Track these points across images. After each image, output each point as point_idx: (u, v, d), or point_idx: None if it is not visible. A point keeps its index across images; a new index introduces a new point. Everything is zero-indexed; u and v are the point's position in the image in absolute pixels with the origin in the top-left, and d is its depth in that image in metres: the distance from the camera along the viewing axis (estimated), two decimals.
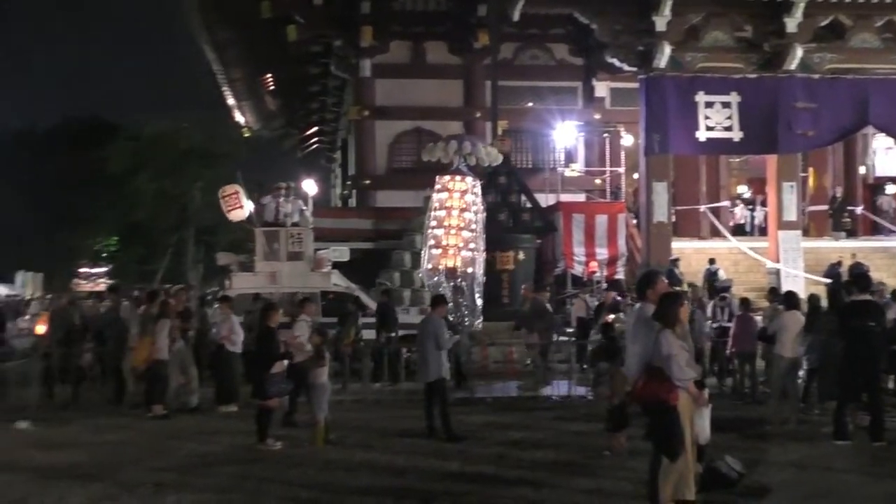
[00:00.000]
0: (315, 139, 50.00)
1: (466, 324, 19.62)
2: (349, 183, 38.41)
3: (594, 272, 26.25)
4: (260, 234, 23.78)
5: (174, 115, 37.86)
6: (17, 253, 47.45)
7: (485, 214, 23.06)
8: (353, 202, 36.98)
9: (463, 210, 22.44)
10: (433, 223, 22.37)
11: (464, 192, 22.59)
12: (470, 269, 22.10)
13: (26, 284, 39.96)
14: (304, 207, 24.69)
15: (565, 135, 32.28)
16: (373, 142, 34.14)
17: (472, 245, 22.28)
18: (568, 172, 32.81)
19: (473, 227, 22.40)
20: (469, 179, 22.57)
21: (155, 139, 36.11)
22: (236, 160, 37.94)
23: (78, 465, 11.02)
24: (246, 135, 42.11)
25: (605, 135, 32.45)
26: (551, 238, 27.72)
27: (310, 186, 26.85)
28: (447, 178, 22.68)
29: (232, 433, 13.11)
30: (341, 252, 25.10)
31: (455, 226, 22.36)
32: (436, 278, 22.01)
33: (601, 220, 27.88)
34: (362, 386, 17.16)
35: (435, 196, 22.67)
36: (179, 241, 33.89)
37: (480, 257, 22.41)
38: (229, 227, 36.56)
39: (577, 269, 27.12)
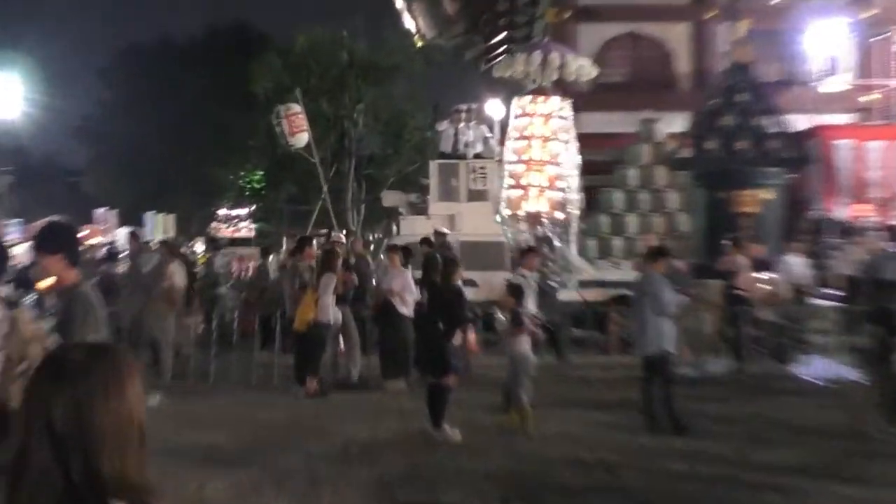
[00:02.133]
0: (503, 49, 49.73)
1: (554, 285, 18.98)
2: None
3: (864, 216, 25.18)
4: (435, 167, 23.97)
5: (332, 22, 38.61)
6: (147, 190, 49.53)
7: (577, 144, 22.45)
8: None
9: (547, 139, 21.95)
10: (511, 157, 21.88)
11: (548, 117, 22.07)
12: (559, 214, 21.45)
13: (157, 228, 41.49)
14: (490, 135, 24.79)
15: (826, 39, 30.95)
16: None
17: (559, 183, 21.55)
18: (829, 87, 31.57)
19: (562, 160, 21.85)
20: (556, 100, 22.04)
21: (308, 52, 36.79)
22: (406, 75, 38.62)
23: (219, 448, 11.31)
24: (418, 44, 42.33)
25: (880, 37, 30.95)
26: (807, 172, 26.75)
27: (496, 109, 26.87)
28: (527, 98, 22.17)
29: (402, 415, 13.25)
30: None
31: (538, 160, 21.85)
32: (516, 226, 21.50)
33: (874, 149, 26.71)
34: (560, 359, 17.17)
35: (512, 123, 22.16)
36: (337, 177, 34.50)
37: (574, 198, 21.75)
38: (398, 160, 37.22)
39: (841, 213, 26.08)
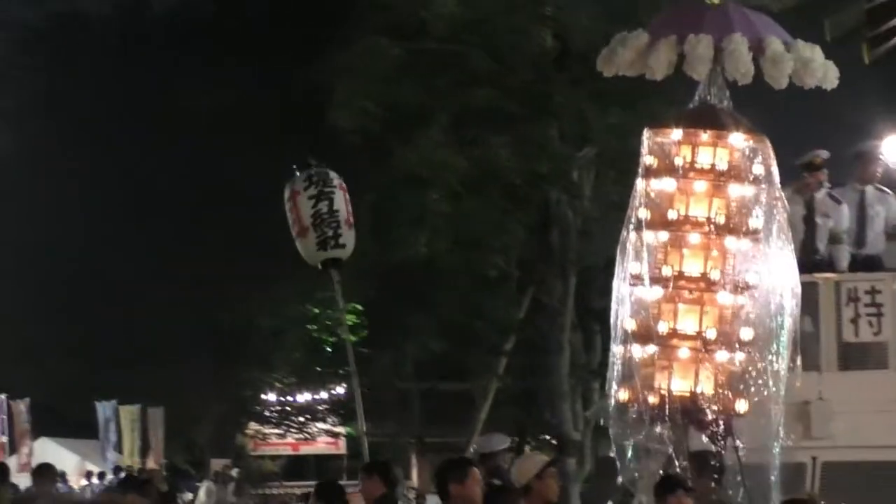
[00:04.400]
0: None
1: None
2: None
3: None
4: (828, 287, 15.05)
5: None
6: (96, 353, 29.39)
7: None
8: None
9: (721, 228, 11.63)
10: (629, 268, 12.33)
11: (723, 176, 11.85)
12: (741, 405, 11.43)
13: (125, 437, 25.88)
14: None
15: None
16: None
17: (745, 331, 11.40)
18: None
19: (755, 278, 11.52)
20: (739, 138, 11.88)
21: (462, 32, 19.77)
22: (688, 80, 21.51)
23: None
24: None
25: None
26: None
27: None
28: (675, 134, 12.16)
29: None
30: None
31: (696, 275, 11.78)
32: (626, 434, 11.83)
33: None
34: None
35: (639, 188, 12.02)
36: (535, 318, 20.65)
37: (783, 366, 11.46)
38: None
39: None
